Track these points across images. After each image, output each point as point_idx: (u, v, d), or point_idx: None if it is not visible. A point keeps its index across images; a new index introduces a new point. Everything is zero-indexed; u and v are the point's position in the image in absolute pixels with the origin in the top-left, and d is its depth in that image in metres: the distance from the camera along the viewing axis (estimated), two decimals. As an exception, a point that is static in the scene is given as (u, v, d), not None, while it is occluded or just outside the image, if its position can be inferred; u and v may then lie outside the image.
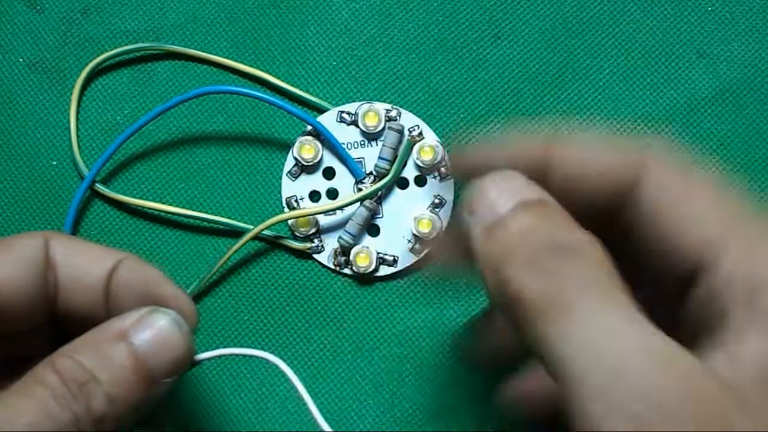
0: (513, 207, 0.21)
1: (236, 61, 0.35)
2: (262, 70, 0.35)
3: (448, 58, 0.35)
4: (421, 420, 0.32)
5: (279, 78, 0.35)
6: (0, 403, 0.23)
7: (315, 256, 0.34)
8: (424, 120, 0.34)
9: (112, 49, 0.35)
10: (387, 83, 0.35)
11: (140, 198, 0.34)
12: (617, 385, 0.18)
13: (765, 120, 0.34)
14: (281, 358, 0.32)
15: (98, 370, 0.23)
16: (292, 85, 0.35)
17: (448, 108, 0.35)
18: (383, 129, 0.33)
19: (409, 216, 0.33)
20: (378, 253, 0.33)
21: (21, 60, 0.36)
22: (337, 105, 0.34)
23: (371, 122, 0.33)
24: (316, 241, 0.33)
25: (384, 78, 0.35)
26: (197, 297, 0.34)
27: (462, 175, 0.28)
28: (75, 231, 0.34)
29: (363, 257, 0.33)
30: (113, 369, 0.24)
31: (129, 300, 0.26)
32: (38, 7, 0.36)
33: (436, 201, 0.33)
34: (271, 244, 0.34)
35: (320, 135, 0.34)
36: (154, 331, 0.25)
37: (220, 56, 0.35)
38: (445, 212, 0.33)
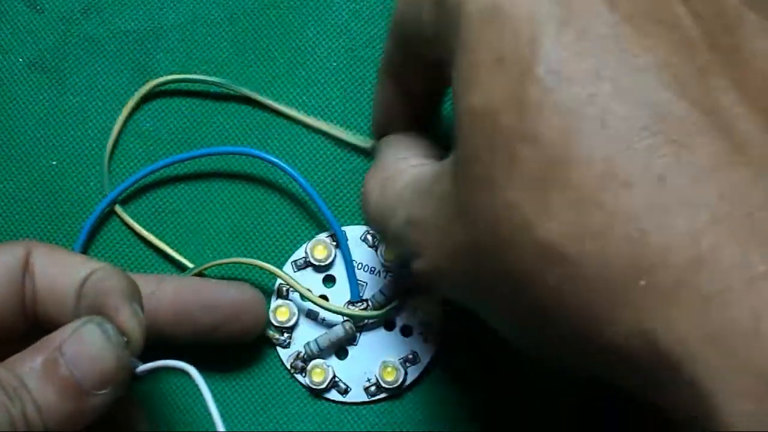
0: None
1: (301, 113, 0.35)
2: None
3: (448, 59, 0.35)
4: (421, 420, 0.32)
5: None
6: None
7: (278, 348, 0.33)
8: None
9: (179, 73, 0.35)
10: (387, 84, 0.35)
11: (148, 230, 0.34)
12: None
13: (765, 120, 0.34)
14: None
15: (28, 379, 0.24)
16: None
17: (448, 108, 0.35)
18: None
19: (379, 358, 0.32)
20: (335, 376, 0.32)
21: (21, 60, 0.36)
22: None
23: (390, 257, 0.33)
24: (285, 335, 0.33)
25: (384, 78, 0.35)
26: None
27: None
28: (87, 247, 0.34)
29: (318, 372, 0.32)
30: (39, 380, 0.24)
31: (92, 311, 0.27)
32: (38, 7, 0.36)
33: (410, 356, 0.32)
34: None
35: (338, 243, 0.33)
36: (81, 342, 0.25)
37: (282, 104, 0.35)
38: (414, 370, 0.32)
